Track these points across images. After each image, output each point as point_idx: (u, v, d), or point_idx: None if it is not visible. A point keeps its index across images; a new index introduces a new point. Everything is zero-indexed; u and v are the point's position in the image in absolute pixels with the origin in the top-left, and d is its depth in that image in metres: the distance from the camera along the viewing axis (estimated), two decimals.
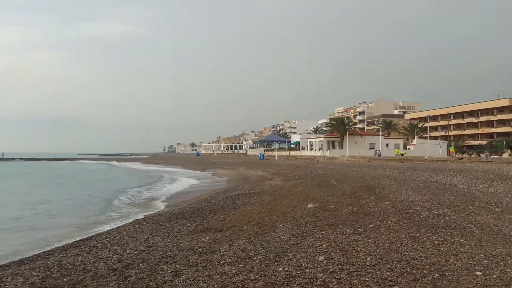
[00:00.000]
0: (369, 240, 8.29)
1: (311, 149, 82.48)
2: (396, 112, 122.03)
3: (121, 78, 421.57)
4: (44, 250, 10.39)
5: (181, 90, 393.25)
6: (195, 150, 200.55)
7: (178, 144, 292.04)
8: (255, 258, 7.45)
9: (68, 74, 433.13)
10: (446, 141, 73.51)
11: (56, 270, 7.82)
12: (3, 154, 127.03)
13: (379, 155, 61.46)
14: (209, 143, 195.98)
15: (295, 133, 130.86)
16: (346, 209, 12.38)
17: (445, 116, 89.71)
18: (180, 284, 6.30)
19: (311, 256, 7.31)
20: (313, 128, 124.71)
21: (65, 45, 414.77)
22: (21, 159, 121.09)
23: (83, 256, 8.98)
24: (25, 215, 17.87)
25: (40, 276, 7.42)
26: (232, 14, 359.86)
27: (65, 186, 35.04)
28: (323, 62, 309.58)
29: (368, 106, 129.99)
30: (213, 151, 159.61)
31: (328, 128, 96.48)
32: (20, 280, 7.29)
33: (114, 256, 8.63)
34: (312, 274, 6.30)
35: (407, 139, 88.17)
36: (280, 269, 6.65)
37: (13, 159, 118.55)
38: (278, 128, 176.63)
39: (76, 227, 14.77)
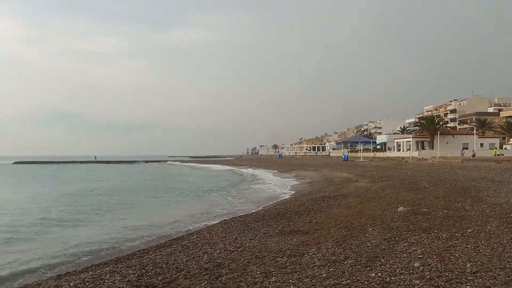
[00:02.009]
0: (468, 246, 7.77)
1: (399, 150, 79.44)
2: (490, 109, 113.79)
3: (206, 83, 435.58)
4: (140, 249, 10.95)
5: (263, 93, 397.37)
6: (278, 152, 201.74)
7: (261, 146, 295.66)
8: (346, 262, 7.25)
9: (153, 81, 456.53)
10: None
11: (151, 268, 8.16)
12: (95, 158, 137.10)
13: (474, 156, 57.70)
14: (291, 145, 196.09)
15: (380, 133, 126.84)
16: (440, 213, 11.72)
17: None
18: (270, 286, 6.30)
19: (406, 261, 6.98)
20: (400, 128, 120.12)
21: (147, 53, 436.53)
22: (143, 161, 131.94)
23: (175, 255, 9.32)
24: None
25: (136, 274, 7.76)
26: (311, 17, 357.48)
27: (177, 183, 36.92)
28: (409, 59, 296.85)
29: (459, 104, 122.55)
30: (296, 152, 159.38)
31: (417, 127, 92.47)
32: (118, 277, 7.68)
33: (205, 256, 8.86)
34: (408, 281, 6.00)
35: (503, 138, 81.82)
36: (373, 274, 6.40)
37: (134, 161, 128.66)
38: (362, 129, 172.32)
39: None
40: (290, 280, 6.46)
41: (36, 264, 10.39)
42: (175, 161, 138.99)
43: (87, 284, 7.42)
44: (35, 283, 8.14)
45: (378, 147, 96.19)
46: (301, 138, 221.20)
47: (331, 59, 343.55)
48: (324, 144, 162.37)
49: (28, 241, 13.33)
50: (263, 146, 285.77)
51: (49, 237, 14.11)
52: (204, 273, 7.42)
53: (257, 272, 7.09)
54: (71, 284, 7.50)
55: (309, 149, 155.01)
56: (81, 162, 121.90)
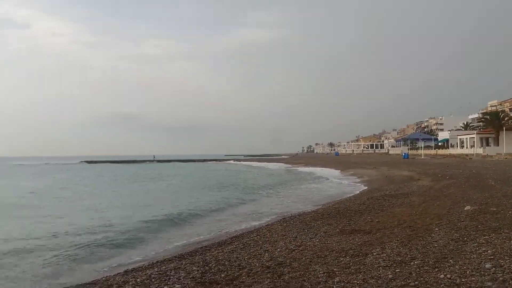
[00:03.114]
0: None
1: (462, 146, 76.15)
2: None
3: (260, 83, 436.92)
4: (202, 246, 11.17)
5: (318, 90, 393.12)
6: (334, 150, 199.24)
7: (317, 144, 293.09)
8: (412, 263, 7.03)
9: (209, 82, 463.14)
10: None
11: (213, 265, 8.30)
12: (154, 157, 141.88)
13: None
14: (348, 143, 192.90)
15: (442, 130, 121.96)
16: (510, 212, 11.09)
17: None
18: (334, 286, 6.22)
19: (476, 263, 6.67)
20: (463, 124, 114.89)
21: (205, 54, 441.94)
22: (201, 160, 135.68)
23: (237, 252, 9.44)
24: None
25: (200, 271, 7.91)
26: (368, 13, 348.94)
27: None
28: (472, 53, 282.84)
29: None
30: (353, 150, 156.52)
31: (481, 123, 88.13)
32: (182, 274, 7.86)
33: (266, 254, 8.91)
34: (480, 283, 5.72)
35: None
36: (442, 276, 6.17)
37: (192, 160, 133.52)
38: (423, 125, 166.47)
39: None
40: (355, 281, 6.34)
41: (99, 258, 10.96)
42: (231, 160, 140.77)
43: (153, 280, 7.62)
44: (103, 278, 8.45)
45: (440, 144, 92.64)
46: (358, 136, 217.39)
47: (390, 56, 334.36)
48: (383, 141, 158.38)
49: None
50: (319, 144, 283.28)
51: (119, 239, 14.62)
52: (266, 271, 7.46)
53: (320, 272, 7.03)
54: (138, 280, 7.72)
55: (366, 147, 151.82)
56: (142, 161, 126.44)
